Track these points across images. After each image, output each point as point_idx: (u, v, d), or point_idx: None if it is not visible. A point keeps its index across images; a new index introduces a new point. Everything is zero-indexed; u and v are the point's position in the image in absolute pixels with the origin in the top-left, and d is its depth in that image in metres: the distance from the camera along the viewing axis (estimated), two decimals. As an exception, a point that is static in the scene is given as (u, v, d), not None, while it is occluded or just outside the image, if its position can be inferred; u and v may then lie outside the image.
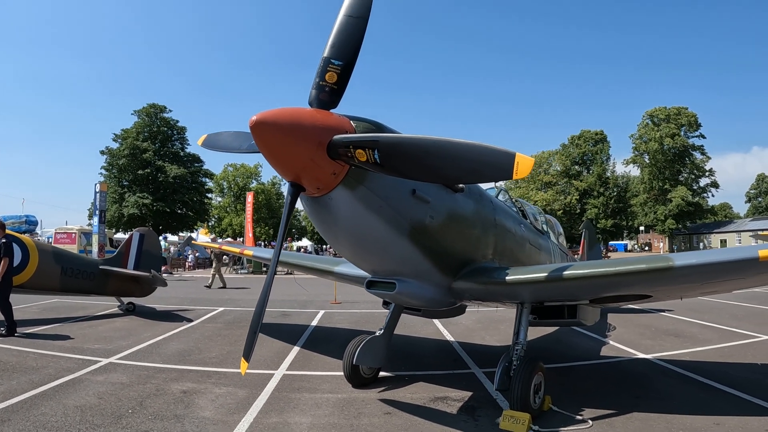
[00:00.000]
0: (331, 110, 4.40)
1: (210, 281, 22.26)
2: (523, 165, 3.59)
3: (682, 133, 67.65)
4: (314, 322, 12.26)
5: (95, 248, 27.03)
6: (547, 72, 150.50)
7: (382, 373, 7.34)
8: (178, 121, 51.63)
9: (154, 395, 6.33)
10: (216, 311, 13.77)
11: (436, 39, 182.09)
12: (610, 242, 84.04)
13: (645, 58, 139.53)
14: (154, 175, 48.63)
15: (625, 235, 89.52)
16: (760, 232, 36.72)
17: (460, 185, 5.59)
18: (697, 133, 68.62)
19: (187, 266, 37.03)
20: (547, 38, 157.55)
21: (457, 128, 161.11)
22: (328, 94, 4.35)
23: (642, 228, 75.33)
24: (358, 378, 6.85)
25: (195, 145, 49.05)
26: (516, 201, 8.18)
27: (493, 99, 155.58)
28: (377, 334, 7.04)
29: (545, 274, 5.65)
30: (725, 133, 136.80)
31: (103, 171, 49.71)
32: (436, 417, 5.71)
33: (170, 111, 51.62)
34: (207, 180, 55.87)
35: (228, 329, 11.18)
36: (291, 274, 27.89)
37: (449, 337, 10.54)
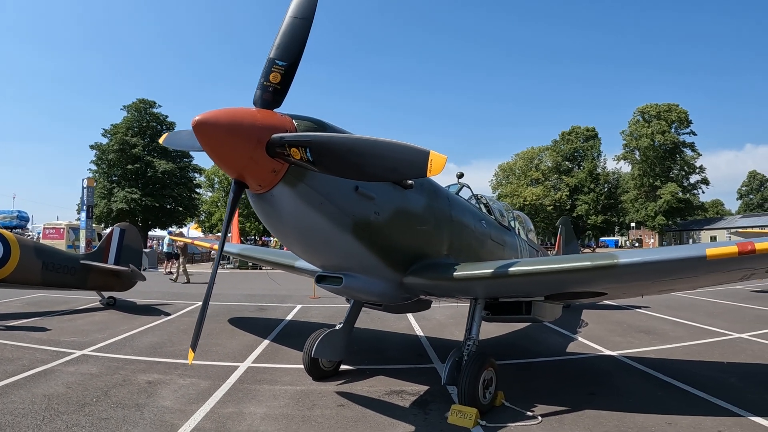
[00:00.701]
0: (276, 110, 4.54)
1: (175, 275, 22.83)
2: (437, 163, 3.76)
3: (673, 129, 68.27)
4: (289, 317, 12.49)
5: (83, 243, 27.15)
6: (539, 69, 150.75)
7: (344, 367, 7.53)
8: (167, 116, 52.14)
9: (119, 385, 6.60)
10: (195, 305, 13.99)
11: (427, 34, 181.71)
12: (601, 238, 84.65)
13: (639, 56, 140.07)
14: (143, 170, 48.80)
15: (616, 231, 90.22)
16: (739, 230, 37.08)
17: (409, 182, 5.69)
18: (687, 130, 69.31)
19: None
20: (539, 35, 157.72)
21: (448, 125, 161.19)
22: (272, 94, 4.49)
23: (633, 224, 75.96)
24: (317, 371, 7.05)
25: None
26: (481, 197, 8.32)
27: (484, 95, 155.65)
28: (337, 327, 7.26)
29: (491, 271, 5.69)
30: (719, 131, 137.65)
31: (93, 166, 50.02)
32: (387, 410, 5.85)
33: (160, 106, 52.04)
34: (196, 175, 56.13)
35: (206, 323, 11.35)
36: (261, 269, 28.28)
37: (419, 332, 10.70)
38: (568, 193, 71.47)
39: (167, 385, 6.66)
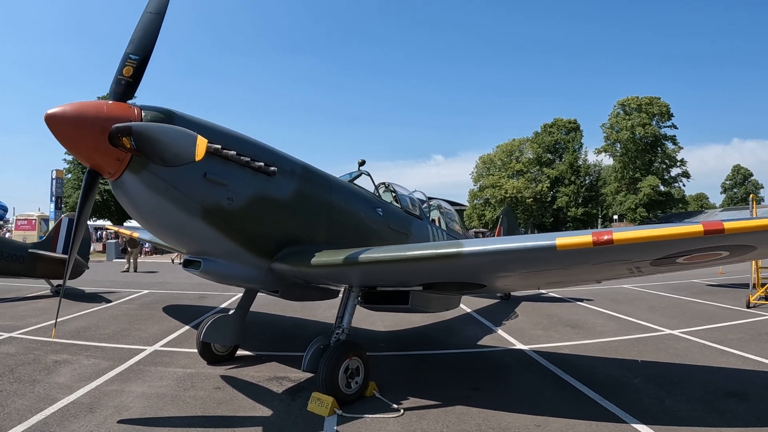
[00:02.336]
0: (130, 101, 4.87)
1: (127, 266, 23.71)
2: (200, 147, 4.24)
3: (654, 122, 68.77)
4: (225, 304, 13.04)
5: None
6: (521, 60, 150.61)
7: (244, 352, 7.93)
8: None
9: (27, 364, 7.27)
10: (139, 293, 14.69)
11: (408, 24, 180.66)
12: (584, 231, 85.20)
13: (626, 48, 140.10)
14: (118, 162, 48.91)
15: (600, 223, 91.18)
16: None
17: (272, 168, 5.80)
18: (669, 123, 69.71)
19: (144, 252, 37.72)
20: (521, 26, 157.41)
21: (431, 115, 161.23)
22: (124, 87, 4.82)
23: (616, 217, 76.74)
24: (210, 355, 7.39)
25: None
26: (388, 185, 8.49)
27: (465, 86, 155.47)
28: (230, 313, 7.54)
29: (342, 258, 5.62)
30: (705, 125, 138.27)
31: (67, 156, 50.10)
32: (257, 395, 6.06)
33: (135, 97, 51.85)
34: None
35: (139, 310, 12.10)
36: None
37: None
38: (548, 185, 72.08)
39: (70, 365, 7.29)
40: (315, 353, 6.10)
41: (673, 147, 70.09)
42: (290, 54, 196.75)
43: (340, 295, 7.17)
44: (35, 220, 33.84)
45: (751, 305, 12.86)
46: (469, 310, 12.53)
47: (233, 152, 5.43)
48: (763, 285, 13.48)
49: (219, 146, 5.32)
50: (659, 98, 69.00)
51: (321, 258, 5.81)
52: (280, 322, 10.87)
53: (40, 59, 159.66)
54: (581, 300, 14.21)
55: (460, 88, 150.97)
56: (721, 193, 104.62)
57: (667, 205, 70.17)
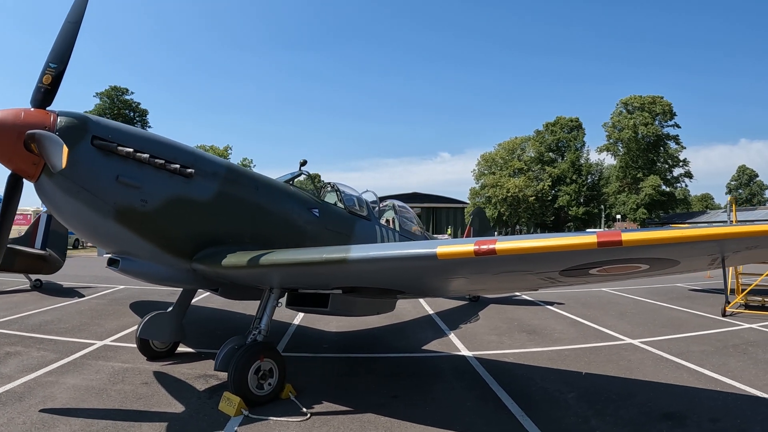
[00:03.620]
0: (49, 108, 5.09)
1: None
2: (64, 156, 4.46)
3: (657, 122, 68.45)
4: (193, 301, 13.15)
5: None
6: (524, 59, 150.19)
7: (186, 349, 8.11)
8: (140, 104, 53.54)
9: (-22, 355, 7.60)
10: (114, 289, 14.99)
11: (411, 24, 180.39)
12: (587, 230, 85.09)
13: (636, 53, 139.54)
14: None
15: (603, 223, 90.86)
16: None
17: (189, 170, 5.94)
18: (671, 123, 69.41)
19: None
20: (525, 26, 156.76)
21: (433, 115, 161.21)
22: (43, 94, 5.05)
23: (619, 216, 76.47)
24: (149, 351, 7.59)
25: (157, 126, 50.22)
26: (333, 185, 8.49)
27: (467, 84, 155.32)
28: (168, 310, 7.74)
29: (246, 260, 5.68)
30: (713, 124, 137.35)
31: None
32: (178, 391, 6.25)
33: (132, 93, 53.28)
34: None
35: (108, 305, 12.40)
36: None
37: (295, 321, 10.90)
38: (550, 184, 72.04)
39: (19, 357, 7.63)
40: (228, 353, 6.14)
41: (675, 146, 69.77)
42: (301, 51, 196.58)
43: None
44: (30, 215, 34.45)
45: (727, 314, 12.23)
46: (431, 312, 12.53)
47: (146, 155, 5.61)
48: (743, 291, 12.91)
49: (131, 149, 5.51)
50: (662, 97, 68.68)
51: (230, 259, 5.85)
52: (234, 319, 11.10)
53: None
54: (552, 303, 14.01)
55: (466, 88, 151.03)
56: (726, 193, 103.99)
57: (669, 206, 69.86)
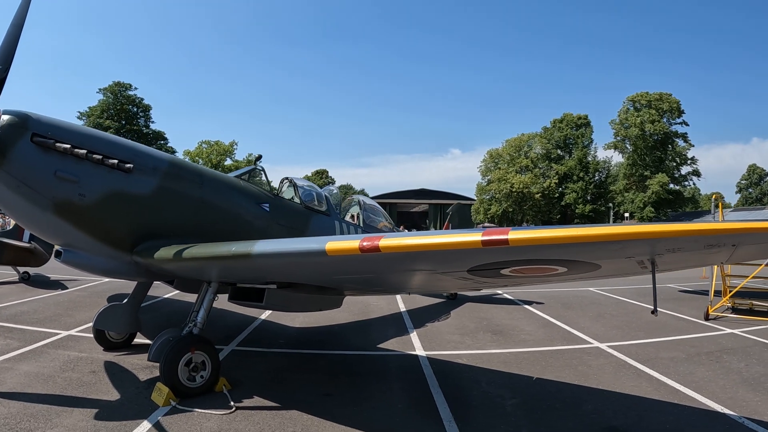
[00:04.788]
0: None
1: None
2: None
3: (665, 119, 67.85)
4: (168, 296, 13.23)
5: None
6: (533, 53, 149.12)
7: (144, 341, 8.22)
8: (143, 99, 53.81)
9: (-52, 342, 7.90)
10: (98, 282, 15.25)
11: (417, 25, 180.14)
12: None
13: (651, 46, 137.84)
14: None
15: (611, 221, 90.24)
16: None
17: (128, 165, 6.10)
18: (679, 120, 68.87)
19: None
20: (534, 18, 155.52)
21: (437, 107, 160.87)
22: None
23: (627, 215, 75.99)
24: (105, 341, 7.81)
25: (160, 122, 50.63)
26: (291, 180, 8.47)
27: (472, 80, 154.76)
28: (124, 302, 7.85)
29: (172, 253, 5.78)
30: (725, 123, 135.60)
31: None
32: (120, 380, 6.43)
33: (135, 89, 53.75)
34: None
35: (88, 298, 12.68)
36: None
37: (262, 316, 10.86)
38: (557, 181, 71.70)
39: (-16, 344, 7.92)
40: (162, 344, 6.32)
41: (683, 144, 69.14)
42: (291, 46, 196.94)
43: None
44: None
45: (710, 317, 11.65)
46: (402, 310, 12.47)
47: (84, 151, 5.79)
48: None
49: (68, 145, 5.71)
50: (670, 94, 68.10)
51: (160, 252, 5.99)
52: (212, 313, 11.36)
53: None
54: (531, 303, 13.75)
55: (474, 88, 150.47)
56: (736, 192, 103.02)
57: (677, 204, 69.24)
